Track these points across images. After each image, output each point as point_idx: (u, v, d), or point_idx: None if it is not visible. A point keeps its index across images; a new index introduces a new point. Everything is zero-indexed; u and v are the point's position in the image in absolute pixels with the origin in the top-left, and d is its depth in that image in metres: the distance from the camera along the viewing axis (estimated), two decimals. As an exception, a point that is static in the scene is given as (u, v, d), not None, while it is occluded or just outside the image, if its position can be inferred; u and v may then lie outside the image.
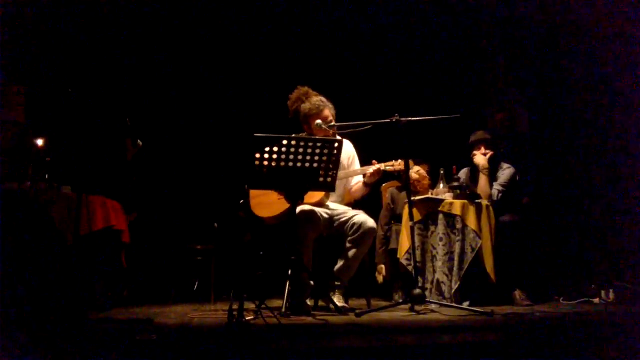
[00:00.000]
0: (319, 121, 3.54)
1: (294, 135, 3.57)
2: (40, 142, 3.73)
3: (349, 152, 3.77)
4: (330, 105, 3.67)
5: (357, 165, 3.75)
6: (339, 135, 3.61)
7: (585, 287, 4.24)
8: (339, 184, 3.38)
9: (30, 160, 3.64)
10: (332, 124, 3.57)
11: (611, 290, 4.09)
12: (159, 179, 5.26)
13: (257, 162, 3.01)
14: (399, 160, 3.41)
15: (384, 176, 3.53)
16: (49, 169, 3.65)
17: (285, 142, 3.00)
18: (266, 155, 3.01)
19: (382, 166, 3.43)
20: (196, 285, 4.53)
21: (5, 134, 3.99)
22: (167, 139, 5.28)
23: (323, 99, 3.68)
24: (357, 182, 3.72)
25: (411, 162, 3.36)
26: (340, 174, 3.22)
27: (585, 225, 4.86)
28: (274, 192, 3.54)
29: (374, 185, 3.63)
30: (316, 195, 3.51)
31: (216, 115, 5.50)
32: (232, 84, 5.53)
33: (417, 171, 4.59)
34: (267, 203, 3.54)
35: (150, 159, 4.63)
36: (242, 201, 3.63)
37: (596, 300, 4.07)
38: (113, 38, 5.14)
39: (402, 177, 3.38)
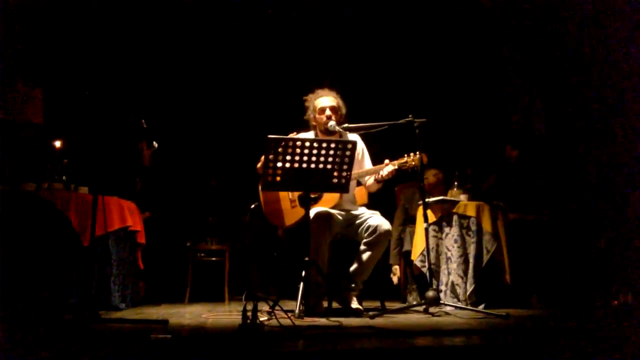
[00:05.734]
0: (332, 122, 3.52)
1: (305, 136, 3.57)
2: (57, 143, 3.78)
3: (357, 146, 3.72)
4: (332, 103, 3.56)
5: (367, 158, 3.70)
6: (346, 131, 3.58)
7: (603, 290, 4.19)
8: (350, 183, 3.36)
9: (47, 161, 3.69)
10: (345, 125, 3.53)
11: (630, 293, 4.04)
12: (172, 179, 5.29)
13: (270, 164, 3.01)
14: (412, 155, 3.37)
15: (399, 175, 3.49)
16: (66, 171, 3.69)
17: (298, 143, 3.00)
18: (279, 157, 3.00)
19: (396, 164, 3.39)
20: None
21: (23, 136, 4.05)
22: (181, 139, 5.32)
23: (325, 95, 3.59)
24: (369, 177, 3.67)
25: (424, 157, 3.33)
26: (352, 173, 3.20)
27: (603, 227, 4.80)
28: (286, 198, 3.54)
29: (388, 182, 3.59)
30: (331, 199, 3.50)
31: (230, 116, 5.53)
32: (247, 84, 5.56)
33: (434, 174, 4.56)
34: (282, 210, 3.53)
35: (165, 159, 4.67)
36: (253, 205, 3.62)
37: (614, 303, 4.02)
38: (129, 40, 5.19)
39: (416, 172, 3.34)
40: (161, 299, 4.58)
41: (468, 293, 3.70)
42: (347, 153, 3.05)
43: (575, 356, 1.99)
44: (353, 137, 3.61)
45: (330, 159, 3.04)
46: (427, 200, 3.51)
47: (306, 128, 3.70)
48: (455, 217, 3.84)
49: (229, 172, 5.29)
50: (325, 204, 3.50)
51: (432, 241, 3.83)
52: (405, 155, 3.39)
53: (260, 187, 3.51)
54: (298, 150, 2.99)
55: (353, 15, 5.52)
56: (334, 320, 2.91)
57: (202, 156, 5.46)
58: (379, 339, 2.34)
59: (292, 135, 3.41)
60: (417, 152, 3.32)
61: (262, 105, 5.45)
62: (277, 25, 5.51)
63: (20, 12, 4.37)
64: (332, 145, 3.03)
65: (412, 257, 3.95)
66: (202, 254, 4.70)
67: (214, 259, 4.71)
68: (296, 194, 3.51)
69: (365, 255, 3.41)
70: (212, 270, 4.80)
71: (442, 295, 3.74)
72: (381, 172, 3.40)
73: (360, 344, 2.18)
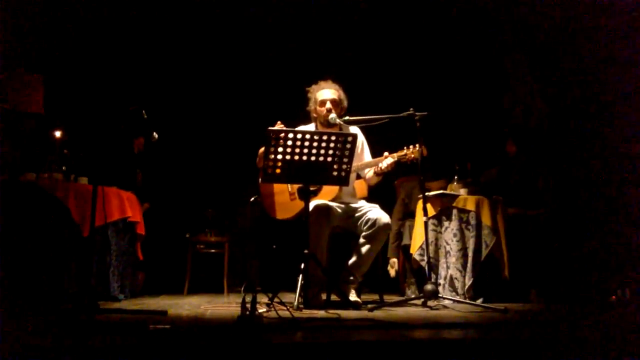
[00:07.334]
0: (332, 115, 3.51)
1: (306, 128, 3.56)
2: (58, 133, 3.78)
3: (358, 139, 3.69)
4: (332, 96, 3.55)
5: (367, 151, 3.70)
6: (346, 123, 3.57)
7: (602, 285, 4.20)
8: (350, 176, 3.35)
9: (47, 151, 3.68)
10: (346, 118, 3.52)
11: (627, 289, 4.05)
12: (172, 170, 5.29)
13: (271, 156, 3.01)
14: (411, 148, 3.36)
15: (399, 169, 3.49)
16: (66, 161, 3.69)
17: (299, 135, 2.99)
18: (280, 149, 3.00)
19: (395, 157, 3.38)
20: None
21: (24, 126, 4.05)
22: (181, 131, 5.31)
23: (326, 88, 3.58)
24: (369, 169, 3.66)
25: (424, 149, 3.32)
26: (352, 166, 3.19)
27: (602, 223, 4.80)
28: (285, 190, 3.53)
29: (388, 176, 3.59)
30: (331, 192, 3.50)
31: (230, 107, 5.52)
32: (247, 76, 5.54)
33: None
34: (281, 204, 3.53)
35: (165, 151, 4.66)
36: (253, 198, 3.62)
37: (613, 298, 4.03)
38: (130, 30, 5.18)
39: (416, 165, 3.33)
40: (160, 290, 4.59)
41: (466, 287, 3.71)
42: (348, 146, 3.04)
43: (573, 351, 2.00)
44: (353, 129, 3.61)
45: (330, 152, 3.04)
46: (426, 194, 3.51)
47: (306, 120, 3.69)
48: (454, 211, 3.85)
49: (229, 164, 5.29)
50: (325, 197, 3.50)
51: (431, 235, 3.83)
52: (405, 147, 3.37)
53: (260, 180, 3.51)
54: (298, 143, 2.99)
55: (356, 7, 5.49)
56: (332, 313, 2.91)
57: (202, 147, 5.45)
58: (377, 331, 2.34)
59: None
60: (417, 145, 3.31)
61: (262, 96, 5.44)
62: (279, 16, 5.49)
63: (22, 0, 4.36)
64: (333, 138, 3.02)
65: (411, 251, 3.95)
66: (202, 246, 4.70)
67: (213, 250, 4.72)
68: (295, 186, 3.51)
69: (364, 248, 3.42)
70: (211, 262, 4.82)
71: (440, 288, 3.74)
72: (380, 165, 3.39)
73: (359, 336, 2.19)
